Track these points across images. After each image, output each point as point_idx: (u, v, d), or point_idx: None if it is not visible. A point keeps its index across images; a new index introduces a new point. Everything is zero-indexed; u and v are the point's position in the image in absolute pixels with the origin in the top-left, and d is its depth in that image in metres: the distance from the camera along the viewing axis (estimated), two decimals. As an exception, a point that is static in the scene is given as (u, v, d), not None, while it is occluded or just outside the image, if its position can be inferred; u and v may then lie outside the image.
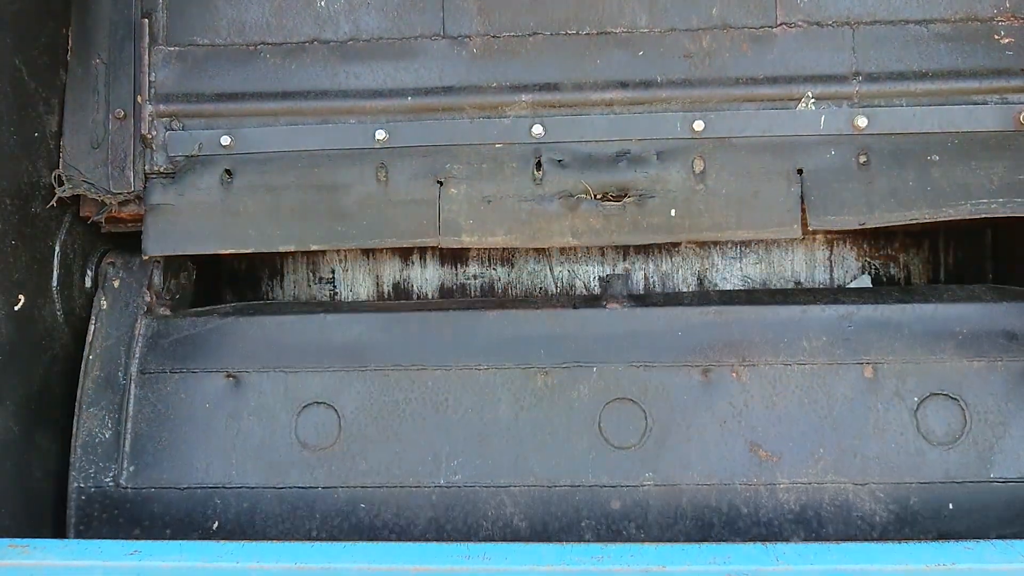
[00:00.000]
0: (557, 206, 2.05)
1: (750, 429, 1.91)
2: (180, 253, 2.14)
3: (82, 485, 1.97)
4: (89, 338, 2.08)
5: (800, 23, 2.07)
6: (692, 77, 2.07)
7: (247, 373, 2.01)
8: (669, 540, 1.84)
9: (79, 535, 1.93)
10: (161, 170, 2.11)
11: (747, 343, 1.97)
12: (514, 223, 2.05)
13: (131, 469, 1.97)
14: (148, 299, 2.12)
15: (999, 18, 2.06)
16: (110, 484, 1.96)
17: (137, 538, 1.91)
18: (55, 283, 2.05)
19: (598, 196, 2.05)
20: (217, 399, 2.00)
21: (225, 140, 2.10)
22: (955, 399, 1.91)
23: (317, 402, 1.99)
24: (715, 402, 1.93)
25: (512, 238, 2.06)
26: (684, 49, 2.07)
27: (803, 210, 2.03)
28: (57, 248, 2.06)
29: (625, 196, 2.04)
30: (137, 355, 2.05)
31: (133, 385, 2.03)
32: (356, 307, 2.19)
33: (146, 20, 2.11)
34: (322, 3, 2.13)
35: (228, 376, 2.00)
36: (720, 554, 1.37)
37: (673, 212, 2.03)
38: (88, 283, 2.16)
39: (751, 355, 1.96)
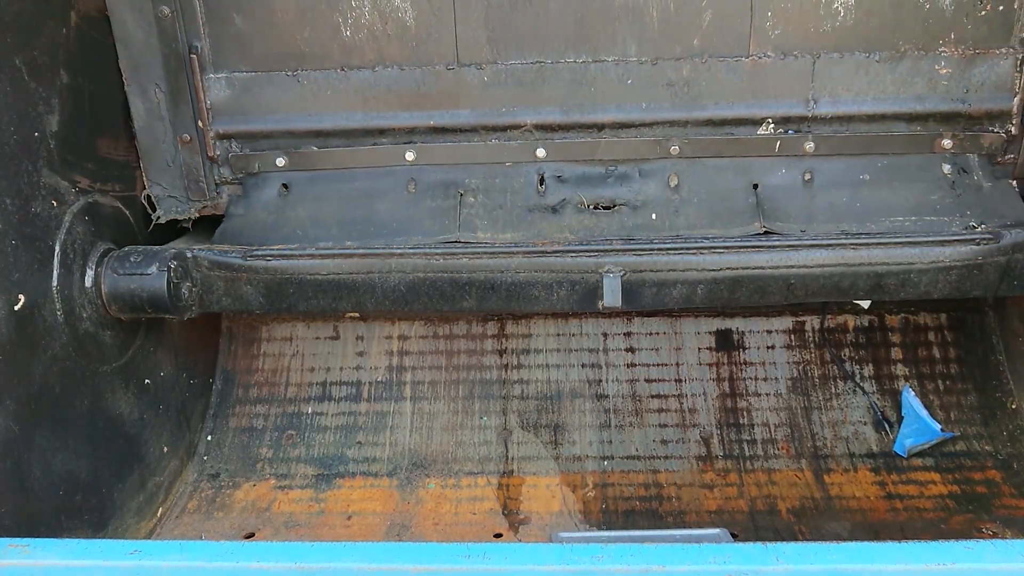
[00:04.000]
0: (557, 212, 2.40)
1: None
2: None
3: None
4: None
5: (769, 53, 2.29)
6: (672, 104, 2.36)
7: None
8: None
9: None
10: (229, 180, 2.47)
11: None
12: (521, 224, 2.39)
13: None
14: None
15: (943, 49, 2.27)
16: None
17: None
18: (55, 283, 2.05)
19: (591, 206, 2.41)
20: None
21: (280, 161, 2.43)
22: None
23: None
24: None
25: (519, 236, 2.37)
26: (667, 78, 2.33)
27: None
28: (57, 248, 2.06)
29: (614, 206, 2.41)
30: None
31: None
32: None
33: (194, 55, 2.29)
34: (348, 33, 2.32)
35: None
36: (720, 554, 1.37)
37: (654, 216, 2.39)
38: (88, 283, 2.17)
39: None
